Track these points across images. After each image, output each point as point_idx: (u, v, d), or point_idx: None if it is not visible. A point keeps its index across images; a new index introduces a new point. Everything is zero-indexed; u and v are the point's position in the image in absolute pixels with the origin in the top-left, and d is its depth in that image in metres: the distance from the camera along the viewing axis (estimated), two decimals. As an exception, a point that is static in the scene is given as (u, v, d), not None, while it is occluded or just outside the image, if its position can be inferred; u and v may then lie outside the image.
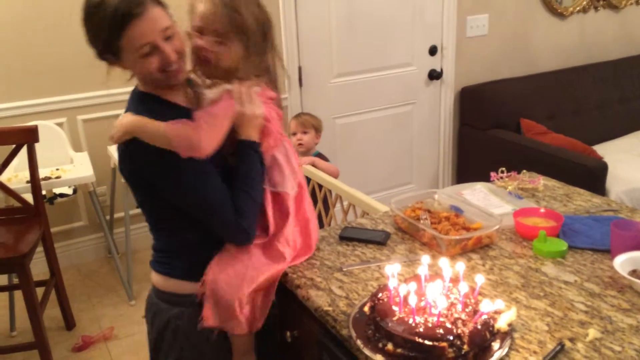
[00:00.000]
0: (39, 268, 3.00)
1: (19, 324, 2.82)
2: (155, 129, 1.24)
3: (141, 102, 1.32)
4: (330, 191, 2.37)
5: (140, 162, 1.29)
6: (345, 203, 2.26)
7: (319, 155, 2.88)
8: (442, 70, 3.51)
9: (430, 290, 1.13)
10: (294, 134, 2.81)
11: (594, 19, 3.98)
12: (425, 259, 1.24)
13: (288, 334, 1.44)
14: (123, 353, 2.67)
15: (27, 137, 2.46)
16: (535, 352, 1.10)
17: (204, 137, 1.26)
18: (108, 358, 2.64)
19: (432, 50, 3.46)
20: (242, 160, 1.35)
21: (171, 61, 1.26)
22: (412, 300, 1.11)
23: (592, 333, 1.13)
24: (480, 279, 1.18)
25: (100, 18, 1.19)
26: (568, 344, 1.11)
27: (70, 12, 2.97)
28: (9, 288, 2.75)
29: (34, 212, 2.56)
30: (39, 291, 2.62)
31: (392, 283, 1.18)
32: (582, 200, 1.76)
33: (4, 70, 3.01)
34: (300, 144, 2.80)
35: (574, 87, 3.80)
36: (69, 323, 2.84)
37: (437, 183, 3.77)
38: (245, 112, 1.33)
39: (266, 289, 1.41)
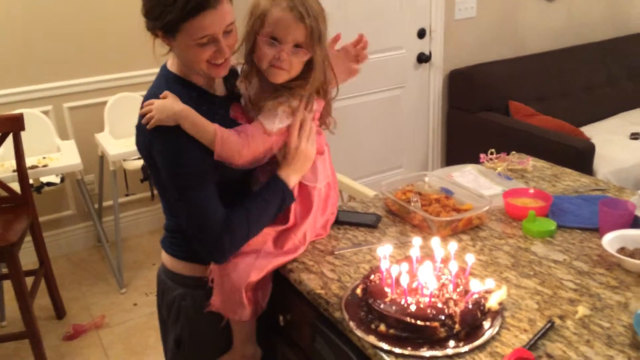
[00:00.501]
0: (28, 257, 2.98)
1: (8, 313, 2.81)
2: (205, 126, 1.24)
3: (170, 84, 1.29)
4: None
5: (157, 148, 1.26)
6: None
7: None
8: (430, 53, 3.50)
9: (421, 271, 1.14)
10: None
11: (581, 0, 3.98)
12: (417, 240, 1.25)
13: (281, 317, 1.45)
14: (114, 341, 2.67)
15: (12, 126, 2.43)
16: (525, 330, 1.11)
17: (245, 153, 1.27)
18: (100, 346, 2.64)
19: (421, 33, 3.44)
20: (267, 193, 1.32)
21: (225, 56, 1.25)
22: (404, 281, 1.11)
23: (582, 310, 1.15)
24: (470, 258, 1.19)
25: None
26: (558, 321, 1.13)
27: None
28: (-1, 278, 2.73)
29: (22, 201, 2.54)
30: (29, 280, 2.60)
31: (384, 265, 1.18)
32: (570, 180, 1.77)
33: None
34: None
35: (561, 68, 3.81)
36: (60, 312, 2.84)
37: (427, 166, 3.78)
38: (300, 147, 1.32)
39: (269, 273, 1.41)
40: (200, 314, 1.42)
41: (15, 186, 2.56)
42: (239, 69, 1.38)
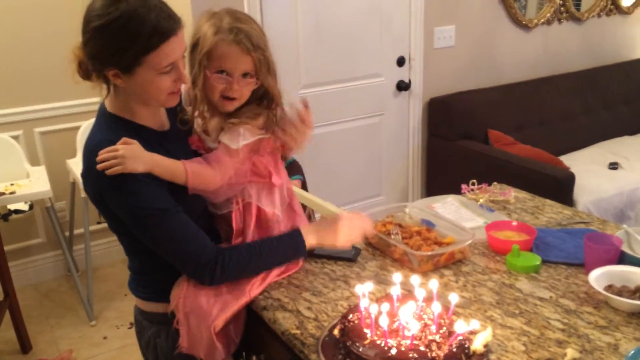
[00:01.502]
0: (-9, 288, 2.85)
1: (-30, 349, 2.67)
2: (174, 165, 1.23)
3: (111, 126, 1.23)
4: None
5: (114, 194, 1.20)
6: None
7: (293, 163, 2.81)
8: (410, 81, 3.49)
9: (402, 311, 1.08)
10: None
11: (557, 31, 4.02)
12: (397, 277, 1.19)
13: (254, 358, 1.37)
14: (82, 377, 2.54)
15: (-23, 151, 2.33)
16: (512, 375, 1.05)
17: (218, 180, 1.28)
18: (66, 383, 2.51)
19: (400, 61, 3.43)
20: (281, 240, 1.34)
21: (184, 82, 1.23)
22: (384, 322, 1.05)
23: (571, 353, 1.09)
24: (454, 297, 1.13)
25: (135, 31, 1.12)
26: (546, 365, 1.07)
27: (28, 22, 2.87)
28: (-41, 311, 2.59)
29: (-14, 230, 2.43)
30: (-9, 313, 2.49)
31: (363, 303, 1.12)
32: (553, 212, 1.74)
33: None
34: None
35: (539, 98, 3.83)
36: (25, 346, 2.70)
37: (407, 194, 3.74)
38: (344, 229, 1.39)
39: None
40: (175, 349, 1.35)
41: (-20, 214, 2.46)
42: (183, 93, 1.36)
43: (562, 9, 3.98)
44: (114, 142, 1.17)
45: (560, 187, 2.94)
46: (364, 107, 3.40)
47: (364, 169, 3.52)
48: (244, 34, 1.25)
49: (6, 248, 2.92)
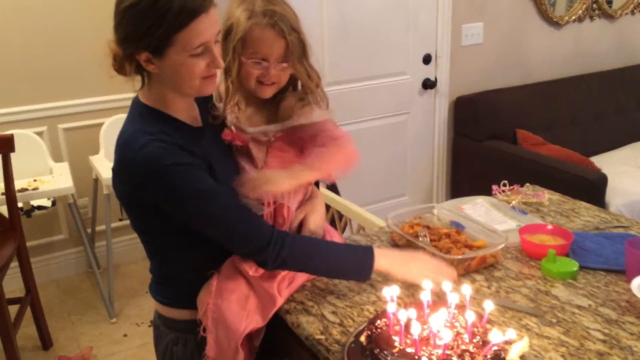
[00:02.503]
0: (15, 284, 2.85)
1: (-8, 343, 2.67)
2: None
3: (147, 120, 1.18)
4: (337, 211, 2.23)
5: (162, 188, 1.15)
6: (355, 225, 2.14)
7: None
8: (436, 79, 3.41)
9: (433, 319, 1.02)
10: None
11: (589, 29, 3.91)
12: (428, 283, 1.13)
13: (276, 362, 1.32)
14: (102, 374, 2.53)
15: (2, 147, 2.33)
16: (551, 389, 0.99)
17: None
18: (86, 380, 2.50)
19: (427, 59, 3.36)
20: (351, 250, 1.30)
21: (219, 66, 1.17)
22: (415, 331, 0.99)
23: (613, 366, 1.02)
24: (489, 305, 1.06)
25: (164, 7, 1.07)
26: (587, 378, 1.00)
27: (52, 18, 2.87)
28: (-18, 306, 2.59)
29: (9, 226, 2.43)
30: (14, 309, 2.48)
31: (390, 308, 1.06)
32: (589, 215, 1.66)
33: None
34: None
35: (569, 97, 3.72)
36: (46, 342, 2.69)
37: (432, 195, 3.66)
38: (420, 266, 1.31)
39: None
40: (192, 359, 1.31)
41: (4, 209, 2.45)
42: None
43: (594, 5, 3.86)
44: (149, 134, 1.13)
45: (592, 189, 2.85)
46: (389, 105, 3.34)
47: (389, 168, 3.46)
48: (278, 16, 1.20)
49: (29, 244, 2.93)
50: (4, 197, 2.41)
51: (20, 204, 2.64)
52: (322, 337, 1.16)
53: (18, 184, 2.53)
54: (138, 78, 1.21)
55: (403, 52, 3.28)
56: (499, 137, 3.42)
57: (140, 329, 2.82)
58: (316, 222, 1.32)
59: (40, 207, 2.90)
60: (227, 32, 1.23)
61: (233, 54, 1.22)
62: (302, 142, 1.32)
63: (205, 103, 1.30)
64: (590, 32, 3.93)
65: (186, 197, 1.13)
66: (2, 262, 2.24)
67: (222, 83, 1.30)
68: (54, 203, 2.95)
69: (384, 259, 1.27)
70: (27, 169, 2.77)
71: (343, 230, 2.17)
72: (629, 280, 1.26)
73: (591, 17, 3.89)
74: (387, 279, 1.35)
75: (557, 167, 2.97)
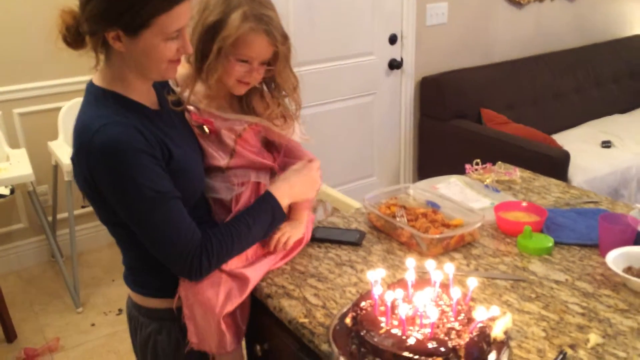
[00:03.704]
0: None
1: (-48, 338, 2.57)
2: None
3: (103, 103, 1.13)
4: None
5: (107, 177, 1.10)
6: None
7: None
8: (402, 59, 3.41)
9: (419, 297, 1.02)
10: None
11: (549, 8, 3.97)
12: (411, 262, 1.13)
13: (258, 347, 1.31)
14: (70, 365, 2.47)
15: (-46, 133, 2.22)
16: (535, 363, 1.00)
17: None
18: (54, 372, 2.44)
19: (392, 39, 3.35)
20: (256, 211, 1.25)
21: (188, 51, 1.14)
22: (403, 311, 0.99)
23: (593, 338, 1.05)
24: (472, 282, 1.07)
25: None
26: (569, 351, 1.02)
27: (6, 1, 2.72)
28: (-61, 300, 2.49)
29: (-34, 216, 2.32)
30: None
31: (376, 291, 1.06)
32: (559, 192, 1.69)
33: None
34: None
35: (531, 76, 3.78)
36: (10, 335, 2.61)
37: (399, 175, 3.68)
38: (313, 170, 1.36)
39: None
40: (178, 348, 1.29)
41: (-41, 199, 2.34)
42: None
43: (554, -15, 3.92)
44: (105, 117, 1.08)
45: (555, 167, 2.91)
46: (355, 86, 3.33)
47: (356, 149, 3.46)
48: (273, 24, 1.21)
49: (-14, 234, 2.83)
50: (-42, 186, 2.31)
51: (-24, 193, 2.54)
52: (306, 320, 1.14)
53: (-26, 172, 2.43)
54: (92, 54, 1.14)
55: (369, 32, 3.26)
56: (464, 117, 3.45)
57: (109, 317, 2.76)
58: (294, 239, 1.35)
59: (-2, 196, 2.78)
60: (213, 30, 1.19)
61: (218, 52, 1.20)
62: (268, 140, 1.38)
63: (161, 89, 1.26)
64: (551, 11, 3.99)
65: (132, 191, 1.08)
66: (-39, 253, 2.14)
67: (180, 67, 1.26)
68: (12, 191, 2.84)
69: (284, 200, 1.28)
70: (-18, 156, 2.66)
71: (314, 210, 2.16)
72: (602, 254, 1.30)
73: (551, -3, 3.96)
74: (367, 260, 1.35)
75: (522, 146, 3.03)
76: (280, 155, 1.40)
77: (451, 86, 3.47)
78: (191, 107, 1.29)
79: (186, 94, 1.27)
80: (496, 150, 3.08)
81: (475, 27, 3.66)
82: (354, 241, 1.43)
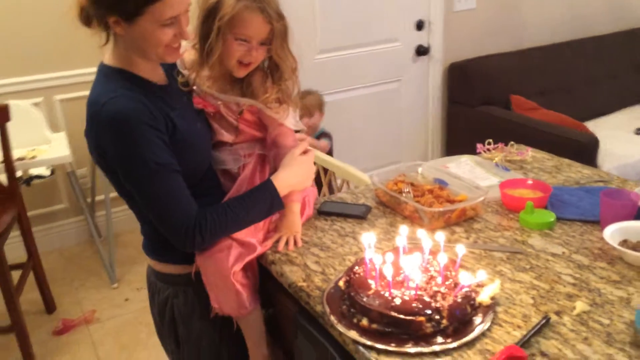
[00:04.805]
0: (18, 252, 2.91)
1: (-1, 308, 2.75)
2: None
3: (111, 79, 1.21)
4: (324, 170, 2.28)
5: (112, 147, 1.18)
6: (339, 181, 2.19)
7: (323, 133, 2.79)
8: (429, 45, 3.42)
9: (407, 262, 1.06)
10: (301, 117, 2.70)
11: (582, -7, 3.90)
12: (404, 229, 1.17)
13: (264, 311, 1.38)
14: (105, 336, 2.60)
15: (-3, 116, 2.37)
16: (519, 327, 1.03)
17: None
18: (89, 341, 2.58)
19: (419, 25, 3.36)
20: (255, 196, 1.29)
21: (185, 38, 1.21)
22: (388, 272, 1.04)
23: (580, 306, 1.07)
24: (461, 249, 1.11)
25: None
26: (554, 317, 1.05)
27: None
28: (-15, 272, 2.66)
29: (8, 193, 2.48)
30: (17, 274, 2.55)
31: (368, 254, 1.11)
32: (572, 171, 1.69)
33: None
34: (308, 126, 2.71)
35: (563, 62, 3.72)
36: (49, 306, 2.77)
37: (427, 161, 3.69)
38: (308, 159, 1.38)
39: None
40: (193, 312, 1.38)
41: (3, 178, 2.50)
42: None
43: (589, -32, 3.84)
44: (112, 91, 1.16)
45: (583, 152, 2.88)
46: (382, 72, 3.36)
47: (384, 135, 3.49)
48: (267, 3, 1.25)
49: (31, 213, 3.00)
50: (2, 165, 2.46)
51: (19, 173, 2.69)
52: (304, 284, 1.21)
53: (16, 153, 2.57)
54: (103, 34, 1.22)
55: (395, 19, 3.28)
56: (492, 103, 3.44)
57: (141, 293, 2.89)
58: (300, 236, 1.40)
59: (39, 177, 2.94)
60: (212, 11, 1.26)
61: (217, 33, 1.26)
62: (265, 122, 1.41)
63: (170, 69, 1.33)
64: (584, -4, 3.91)
65: (136, 162, 1.16)
66: (3, 227, 2.30)
67: (188, 52, 1.34)
68: (52, 172, 3.00)
69: (283, 190, 1.32)
70: (25, 139, 2.81)
71: (329, 185, 2.22)
72: (603, 230, 1.31)
73: (585, -19, 3.88)
74: (369, 231, 1.40)
75: (549, 131, 3.00)
76: (269, 142, 1.42)
77: (479, 72, 3.45)
78: (195, 88, 1.36)
79: (193, 76, 1.34)
80: (524, 136, 3.03)
81: (504, 12, 3.63)
82: (360, 215, 1.48)
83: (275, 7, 1.27)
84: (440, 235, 1.15)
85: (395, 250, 1.15)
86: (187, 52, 1.35)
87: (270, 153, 1.40)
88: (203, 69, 1.33)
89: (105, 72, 1.23)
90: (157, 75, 1.29)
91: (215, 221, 1.22)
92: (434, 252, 1.14)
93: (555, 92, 3.64)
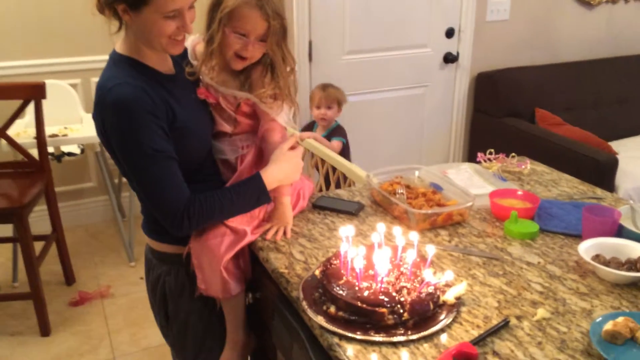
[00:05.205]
0: (45, 226, 3.07)
1: (21, 276, 2.90)
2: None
3: (120, 66, 1.31)
4: (333, 169, 2.35)
5: (114, 129, 1.27)
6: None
7: (338, 127, 2.85)
8: (458, 53, 3.44)
9: (376, 255, 1.12)
10: (318, 107, 2.78)
11: (623, 10, 3.84)
12: (381, 226, 1.23)
13: (250, 295, 1.46)
14: (117, 310, 2.73)
15: (33, 93, 2.51)
16: (478, 326, 1.08)
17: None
18: (102, 314, 2.71)
19: (449, 33, 3.39)
20: (243, 188, 1.36)
21: (187, 31, 1.29)
22: (357, 265, 1.10)
23: (541, 312, 1.11)
24: (430, 250, 1.16)
25: None
26: (514, 321, 1.10)
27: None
28: (12, 240, 2.83)
29: (39, 167, 2.63)
30: (41, 245, 2.70)
31: (343, 247, 1.17)
32: (568, 186, 1.72)
33: (23, 30, 3.08)
34: (322, 119, 2.79)
35: (596, 79, 3.68)
36: (69, 279, 2.92)
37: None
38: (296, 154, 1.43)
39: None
40: (183, 290, 1.47)
41: (35, 153, 2.65)
42: (189, 48, 1.45)
43: (630, -13, 3.79)
44: (118, 77, 1.25)
45: (601, 171, 2.87)
46: (408, 77, 3.40)
47: (405, 139, 3.53)
48: (266, 1, 1.32)
49: (60, 189, 3.16)
50: (35, 140, 2.61)
51: (51, 149, 2.84)
52: (286, 271, 1.28)
53: (49, 130, 2.73)
54: (115, 21, 1.31)
55: (425, 25, 3.32)
56: (517, 115, 3.44)
57: (155, 273, 3.01)
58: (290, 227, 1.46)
59: (70, 154, 3.10)
60: (217, 3, 1.35)
61: (219, 24, 1.34)
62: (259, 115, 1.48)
63: (181, 59, 1.42)
64: (625, 13, 3.86)
65: (134, 146, 1.24)
66: (31, 197, 2.44)
67: (199, 44, 1.42)
68: (82, 151, 3.15)
69: (272, 184, 1.38)
70: (60, 117, 2.96)
71: (336, 184, 2.28)
72: (582, 244, 1.34)
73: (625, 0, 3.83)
74: (358, 228, 1.46)
75: (569, 147, 2.99)
76: (259, 135, 1.49)
77: (507, 83, 3.46)
78: (201, 78, 1.44)
79: (199, 66, 1.42)
80: (544, 151, 3.06)
81: (539, 25, 3.62)
82: (352, 211, 1.54)
83: (274, 5, 1.34)
84: (414, 235, 1.21)
85: (370, 246, 1.21)
86: (199, 44, 1.44)
87: (260, 146, 1.48)
88: (209, 59, 1.41)
89: (115, 59, 1.32)
90: (164, 65, 1.37)
91: (202, 209, 1.30)
92: (406, 250, 1.20)
93: (584, 109, 3.61)
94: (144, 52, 1.31)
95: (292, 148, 1.44)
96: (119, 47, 1.33)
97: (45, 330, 2.53)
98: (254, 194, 1.36)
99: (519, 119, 3.41)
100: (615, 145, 3.37)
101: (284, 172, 1.40)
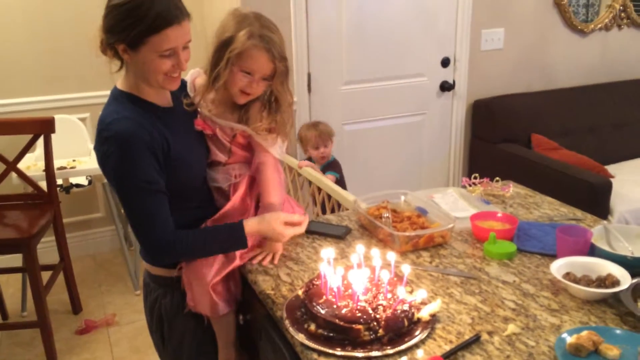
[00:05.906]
0: (53, 256, 3.16)
1: (29, 305, 2.98)
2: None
3: (119, 101, 1.40)
4: (329, 196, 2.42)
5: (108, 160, 1.35)
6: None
7: (334, 161, 2.92)
8: (454, 82, 3.53)
9: (354, 276, 1.19)
10: (316, 147, 2.83)
11: (616, 37, 3.92)
12: (360, 247, 1.30)
13: (241, 317, 1.52)
14: (121, 338, 2.79)
15: (43, 128, 2.63)
16: (450, 342, 1.14)
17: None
18: (107, 342, 2.77)
19: (445, 62, 3.48)
20: (225, 234, 1.43)
21: (182, 69, 1.38)
22: (335, 284, 1.17)
23: (511, 328, 1.17)
24: (406, 269, 1.23)
25: (143, 12, 1.28)
26: (485, 336, 1.15)
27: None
28: (21, 270, 2.92)
29: (47, 199, 2.73)
30: (49, 275, 2.78)
31: (323, 267, 1.24)
32: (549, 209, 1.78)
33: (35, 67, 3.23)
34: (322, 157, 2.86)
35: (591, 104, 3.75)
36: (76, 307, 3.00)
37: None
38: (285, 231, 1.47)
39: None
40: (178, 312, 1.54)
41: (44, 185, 2.75)
42: (188, 80, 1.54)
43: (622, 14, 3.88)
44: (116, 112, 1.35)
45: (595, 194, 2.91)
46: (406, 105, 3.48)
47: (404, 167, 3.60)
48: (272, 44, 1.43)
49: (69, 220, 3.26)
50: (44, 173, 2.72)
51: (60, 181, 2.96)
52: (272, 292, 1.35)
53: (58, 163, 2.84)
54: (117, 61, 1.41)
55: (421, 54, 3.41)
56: (514, 141, 3.50)
57: (160, 301, 3.08)
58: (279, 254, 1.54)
59: (78, 185, 3.21)
60: (225, 44, 1.44)
61: (226, 63, 1.44)
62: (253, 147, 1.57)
63: (179, 92, 1.51)
64: (618, 40, 3.94)
65: (126, 178, 1.33)
66: (39, 228, 2.53)
67: (200, 77, 1.52)
68: (90, 182, 3.26)
69: (251, 237, 1.45)
70: (68, 150, 3.08)
71: (332, 210, 2.34)
72: (557, 263, 1.39)
73: (619, 26, 3.91)
74: (344, 251, 1.53)
75: (564, 172, 3.05)
76: (252, 167, 1.58)
77: (503, 110, 3.53)
78: (199, 110, 1.54)
79: (198, 99, 1.52)
80: (540, 175, 3.12)
81: (533, 53, 3.71)
82: (339, 235, 1.61)
83: (280, 49, 1.45)
84: (391, 255, 1.27)
85: (349, 266, 1.28)
86: (200, 77, 1.54)
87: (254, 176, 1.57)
88: (210, 92, 1.51)
89: (115, 95, 1.43)
90: (162, 99, 1.47)
91: (184, 248, 1.39)
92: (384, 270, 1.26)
93: (580, 134, 3.66)
94: (142, 88, 1.41)
95: (294, 224, 1.49)
96: (120, 84, 1.43)
97: (51, 358, 2.59)
98: (233, 240, 1.43)
99: (516, 144, 3.48)
100: (611, 168, 3.42)
101: (266, 234, 1.47)
